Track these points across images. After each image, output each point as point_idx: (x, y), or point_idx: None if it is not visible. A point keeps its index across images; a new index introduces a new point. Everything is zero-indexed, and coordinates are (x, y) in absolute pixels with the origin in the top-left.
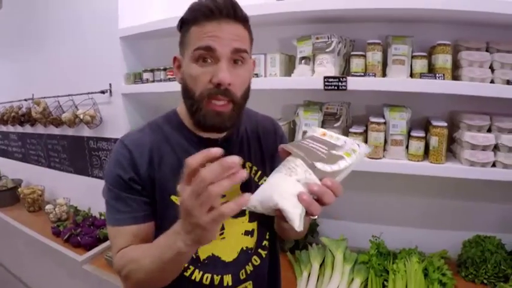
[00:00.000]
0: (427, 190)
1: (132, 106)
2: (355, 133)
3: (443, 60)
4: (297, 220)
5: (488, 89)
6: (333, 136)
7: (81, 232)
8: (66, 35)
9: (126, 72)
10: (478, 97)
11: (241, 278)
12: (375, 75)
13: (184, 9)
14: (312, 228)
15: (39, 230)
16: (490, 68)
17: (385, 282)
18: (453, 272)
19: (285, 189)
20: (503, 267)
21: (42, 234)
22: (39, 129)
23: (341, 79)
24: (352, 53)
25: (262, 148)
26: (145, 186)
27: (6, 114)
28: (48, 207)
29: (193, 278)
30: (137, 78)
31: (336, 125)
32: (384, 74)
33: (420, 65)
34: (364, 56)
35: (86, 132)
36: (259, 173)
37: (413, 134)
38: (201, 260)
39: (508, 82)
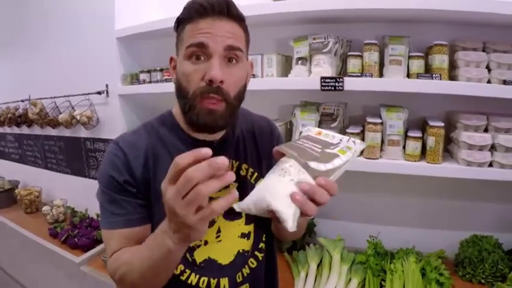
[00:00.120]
0: (424, 190)
1: (128, 107)
2: (352, 133)
3: (440, 60)
4: (290, 220)
5: (485, 89)
6: (328, 135)
7: (78, 233)
8: (62, 35)
9: (123, 73)
10: (474, 97)
11: (238, 281)
12: (371, 76)
13: (180, 10)
14: (310, 229)
15: (37, 232)
16: (486, 68)
17: (382, 282)
18: (450, 272)
19: (278, 190)
20: (500, 267)
21: (39, 236)
22: (36, 130)
23: (338, 79)
24: (348, 53)
25: (259, 149)
26: (140, 188)
27: (2, 115)
28: (45, 208)
29: (189, 282)
30: (134, 79)
31: (332, 125)
32: (380, 75)
33: (417, 65)
34: (361, 57)
35: (82, 133)
36: (256, 174)
37: (410, 134)
38: (197, 263)
39: (505, 82)
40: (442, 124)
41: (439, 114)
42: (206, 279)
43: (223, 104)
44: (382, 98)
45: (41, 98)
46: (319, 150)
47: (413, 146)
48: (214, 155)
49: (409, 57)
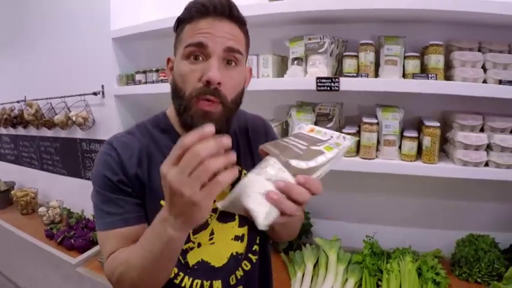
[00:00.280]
0: (420, 190)
1: (124, 107)
2: (348, 133)
3: (435, 60)
4: (260, 219)
5: (480, 89)
6: (320, 131)
7: (74, 235)
8: (58, 36)
9: (119, 73)
10: (470, 97)
11: (232, 283)
12: (367, 76)
13: (176, 10)
14: (306, 229)
15: (33, 233)
16: (482, 68)
17: (379, 282)
18: (447, 271)
19: (253, 188)
20: (496, 266)
21: (35, 237)
22: (32, 131)
23: (334, 80)
24: (344, 53)
25: (253, 150)
26: (135, 188)
27: None
28: (41, 209)
29: (183, 285)
30: (130, 79)
31: (328, 125)
32: (376, 75)
33: (413, 65)
34: (357, 57)
35: (78, 134)
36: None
37: (406, 134)
38: (190, 265)
39: (501, 82)
40: (438, 124)
41: (434, 114)
42: (199, 281)
43: (220, 107)
44: (378, 98)
45: (36, 99)
46: (304, 147)
47: (409, 146)
48: None
49: (405, 57)
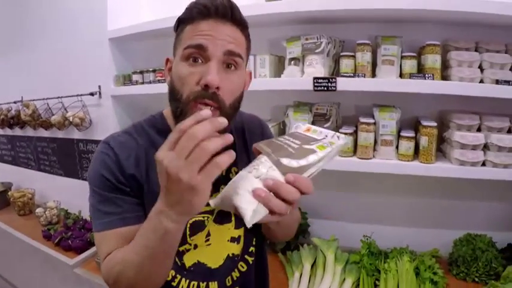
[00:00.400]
0: (417, 190)
1: (121, 108)
2: (344, 133)
3: (432, 60)
4: (248, 216)
5: (477, 89)
6: (316, 131)
7: (71, 235)
8: (55, 36)
9: (116, 73)
10: (467, 97)
11: (228, 284)
12: (364, 76)
13: (173, 11)
14: (303, 229)
15: (30, 234)
16: (479, 67)
17: (376, 282)
18: (444, 271)
19: (242, 186)
20: (494, 265)
21: (32, 238)
22: (29, 131)
23: (330, 80)
24: (341, 53)
25: (249, 151)
26: (134, 188)
27: None
28: (38, 210)
29: (180, 287)
30: (126, 80)
31: (325, 125)
32: (373, 75)
33: (410, 65)
34: (354, 57)
35: (75, 134)
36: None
37: (403, 134)
38: (187, 267)
39: (497, 82)
40: (435, 124)
41: (431, 114)
42: (196, 283)
43: (217, 113)
44: (375, 98)
45: (33, 100)
46: (297, 146)
47: (406, 146)
48: None
49: (402, 57)
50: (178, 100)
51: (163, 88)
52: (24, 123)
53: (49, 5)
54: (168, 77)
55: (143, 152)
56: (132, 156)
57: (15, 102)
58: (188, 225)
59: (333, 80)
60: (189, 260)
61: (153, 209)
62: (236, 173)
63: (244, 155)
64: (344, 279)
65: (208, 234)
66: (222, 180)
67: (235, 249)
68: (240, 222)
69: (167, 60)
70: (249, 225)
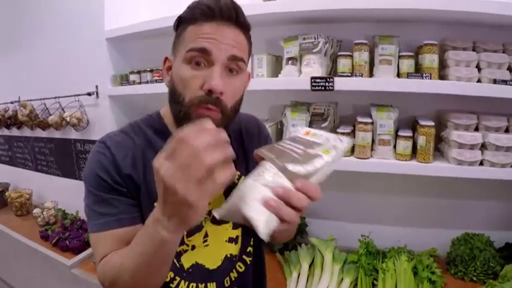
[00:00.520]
0: (415, 189)
1: (118, 108)
2: (342, 133)
3: (430, 60)
4: (260, 227)
5: (475, 89)
6: (316, 134)
7: (69, 236)
8: (52, 36)
9: (113, 73)
10: (465, 96)
11: (226, 285)
12: (362, 76)
13: (170, 10)
14: (301, 229)
15: (27, 234)
16: (476, 67)
17: (374, 282)
18: (442, 270)
19: (250, 195)
20: (492, 265)
21: (30, 239)
22: (26, 132)
23: (328, 79)
24: (339, 53)
25: (246, 153)
26: (130, 189)
27: None
28: (36, 211)
29: None
30: (124, 80)
31: (323, 125)
32: (371, 74)
33: (407, 64)
34: (351, 56)
35: (72, 134)
36: (243, 178)
37: (400, 133)
38: (185, 269)
39: (495, 81)
40: (433, 123)
41: (429, 114)
42: (194, 284)
43: (219, 116)
44: (373, 98)
45: (30, 100)
46: (301, 151)
47: (404, 146)
48: None
49: (399, 56)
50: (180, 103)
51: (160, 88)
52: (22, 123)
53: (46, 5)
54: (167, 77)
55: (140, 151)
56: (129, 156)
57: (12, 103)
58: None
59: (331, 79)
60: (187, 261)
61: (150, 215)
62: (239, 177)
63: (242, 158)
64: (342, 279)
65: (206, 235)
66: None
67: (233, 249)
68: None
69: (166, 59)
70: (263, 237)
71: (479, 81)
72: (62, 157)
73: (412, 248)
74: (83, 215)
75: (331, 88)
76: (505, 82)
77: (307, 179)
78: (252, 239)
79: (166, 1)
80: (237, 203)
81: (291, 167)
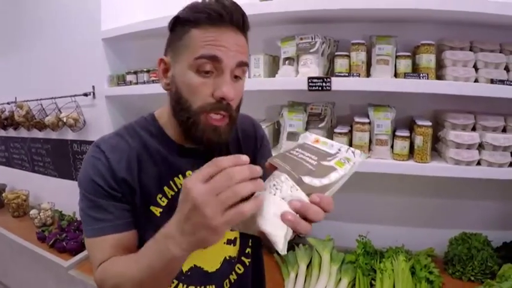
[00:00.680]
0: (412, 189)
1: (115, 108)
2: (340, 133)
3: (427, 59)
4: (280, 244)
5: (472, 88)
6: (326, 143)
7: (66, 237)
8: (48, 37)
9: (109, 74)
10: (462, 96)
11: (225, 287)
12: (359, 76)
13: (167, 10)
14: None
15: (24, 236)
16: (473, 67)
17: (372, 282)
18: (440, 270)
19: (268, 210)
20: (489, 264)
21: (27, 240)
22: (23, 133)
23: (325, 79)
24: (336, 53)
25: (242, 153)
26: (125, 193)
27: None
28: (32, 212)
29: None
30: (120, 80)
31: (320, 125)
32: (368, 74)
33: (404, 64)
34: (348, 56)
35: (69, 135)
36: None
37: (398, 133)
38: (184, 272)
39: (492, 81)
40: (430, 123)
41: (426, 114)
42: (193, 287)
43: (227, 120)
44: (370, 98)
45: (27, 100)
46: (315, 162)
47: (401, 145)
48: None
49: (397, 56)
50: (186, 109)
51: (157, 88)
52: (18, 124)
53: (42, 5)
54: (165, 79)
55: (135, 154)
56: (123, 158)
57: (8, 103)
58: None
59: (328, 79)
60: (185, 264)
61: (161, 230)
62: None
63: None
64: (340, 279)
65: None
66: None
67: (232, 251)
68: None
69: (161, 60)
70: (283, 252)
71: (476, 81)
72: (59, 158)
73: (409, 247)
74: (79, 217)
75: (328, 88)
76: (502, 82)
77: (322, 191)
78: (251, 240)
79: (163, 1)
80: (254, 217)
81: (307, 179)
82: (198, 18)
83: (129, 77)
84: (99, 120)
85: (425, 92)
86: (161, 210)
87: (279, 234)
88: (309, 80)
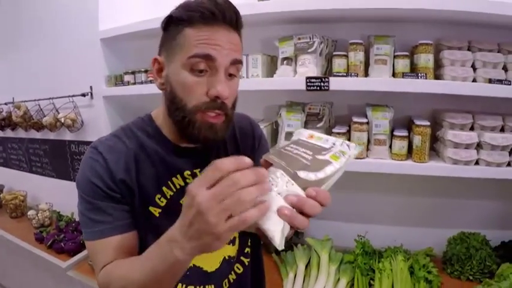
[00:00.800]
0: (411, 188)
1: (113, 108)
2: (338, 133)
3: (425, 59)
4: (277, 239)
5: (470, 88)
6: (321, 138)
7: (64, 238)
8: (46, 37)
9: (107, 74)
10: (460, 96)
11: (225, 287)
12: (357, 75)
13: (164, 10)
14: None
15: (22, 237)
16: (471, 67)
17: (371, 282)
18: (439, 269)
19: None
20: (488, 263)
21: (25, 241)
22: (20, 133)
23: (323, 79)
24: (334, 53)
25: (240, 152)
26: (124, 194)
27: None
28: (30, 212)
29: None
30: (118, 80)
31: (318, 125)
32: (366, 74)
33: (402, 64)
34: (346, 56)
35: (67, 136)
36: None
37: (396, 133)
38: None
39: (490, 81)
40: (428, 123)
41: (424, 113)
42: (192, 287)
43: (223, 118)
44: (368, 98)
45: (24, 101)
46: (310, 157)
47: (400, 145)
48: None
49: (395, 56)
50: (181, 109)
51: (155, 89)
52: (16, 124)
53: (40, 6)
54: (159, 79)
55: (132, 155)
56: (121, 159)
57: (6, 104)
58: None
59: (326, 79)
60: None
61: (165, 234)
62: None
63: (236, 155)
64: (338, 279)
65: None
66: None
67: (231, 251)
68: None
69: (155, 60)
70: (280, 248)
71: (474, 80)
72: (57, 158)
73: (408, 247)
74: (77, 217)
75: (327, 88)
76: (500, 81)
77: (318, 185)
78: (250, 240)
79: (160, 1)
80: None
81: (303, 174)
82: (191, 17)
83: (127, 77)
84: (97, 121)
85: (423, 91)
86: (160, 210)
87: (276, 229)
88: (307, 80)
